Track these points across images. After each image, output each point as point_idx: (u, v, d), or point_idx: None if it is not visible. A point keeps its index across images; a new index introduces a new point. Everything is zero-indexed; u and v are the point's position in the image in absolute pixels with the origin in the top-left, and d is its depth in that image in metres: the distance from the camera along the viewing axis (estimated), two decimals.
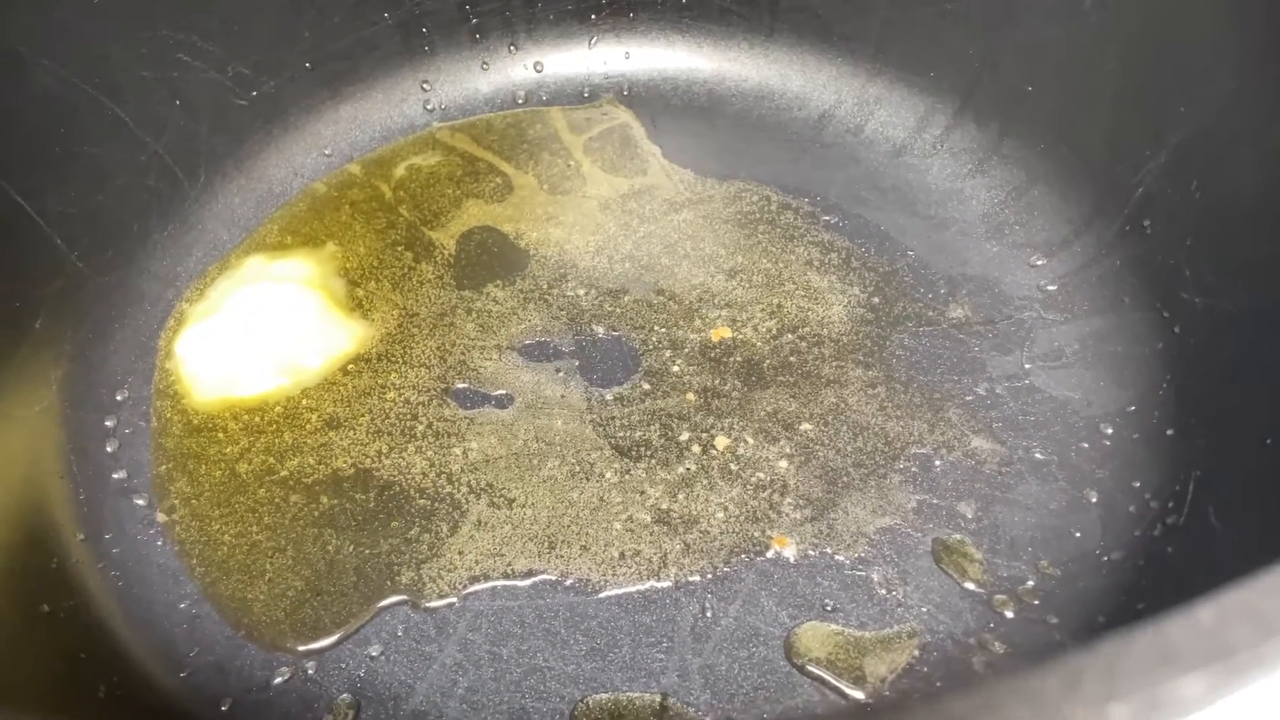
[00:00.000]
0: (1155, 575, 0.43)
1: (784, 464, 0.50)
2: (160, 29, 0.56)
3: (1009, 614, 0.45)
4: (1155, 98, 0.52)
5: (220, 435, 0.52)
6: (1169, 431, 0.47)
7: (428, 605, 0.46)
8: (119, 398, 0.53)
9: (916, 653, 0.44)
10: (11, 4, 0.49)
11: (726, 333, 0.56)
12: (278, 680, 0.44)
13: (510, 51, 0.68)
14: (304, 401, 0.53)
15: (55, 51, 0.51)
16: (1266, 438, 0.40)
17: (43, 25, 0.51)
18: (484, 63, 0.68)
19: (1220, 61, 0.48)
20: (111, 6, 0.53)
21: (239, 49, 0.60)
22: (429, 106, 0.67)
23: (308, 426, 0.52)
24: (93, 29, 0.53)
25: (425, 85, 0.67)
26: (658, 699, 0.43)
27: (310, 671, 0.44)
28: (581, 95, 0.68)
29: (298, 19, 0.62)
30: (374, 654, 0.45)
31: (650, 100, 0.67)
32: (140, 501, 0.50)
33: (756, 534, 0.48)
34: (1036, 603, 0.45)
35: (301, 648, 0.45)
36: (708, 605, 0.46)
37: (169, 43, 0.56)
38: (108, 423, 0.52)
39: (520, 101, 0.68)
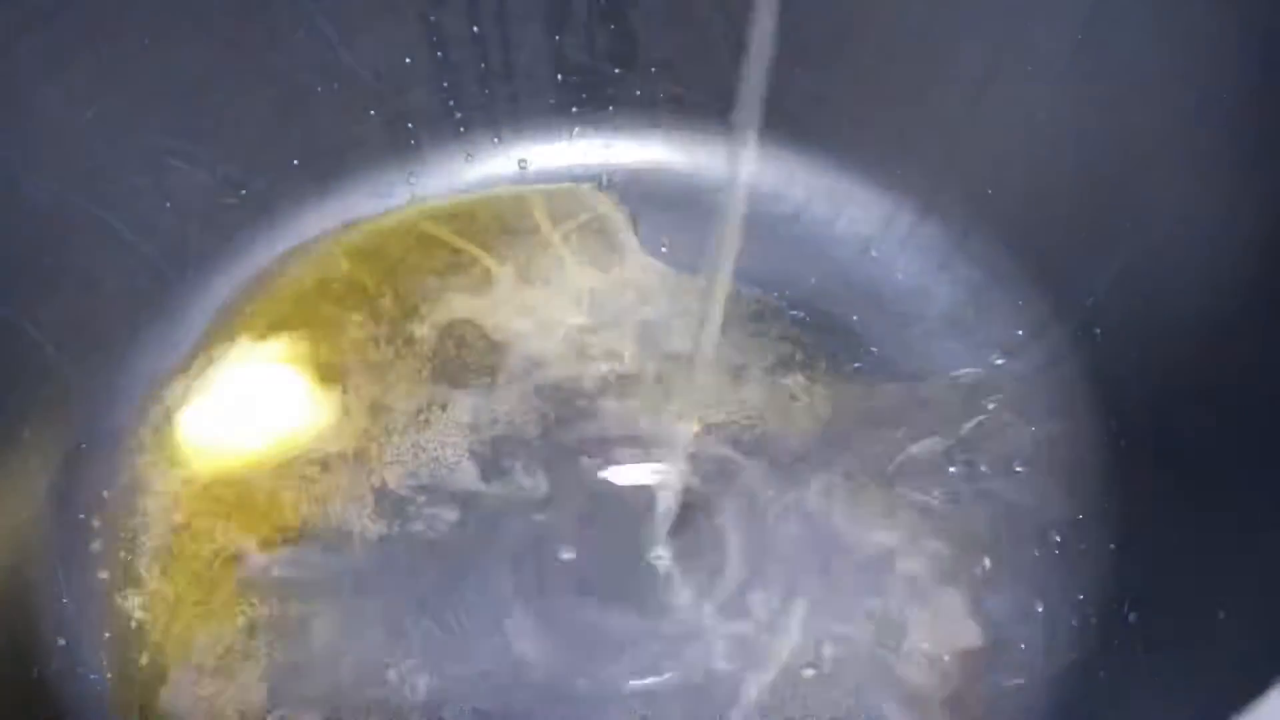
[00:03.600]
0: (1087, 699, 0.44)
1: (736, 557, 0.52)
2: (151, 136, 0.58)
3: None
4: (1107, 212, 0.53)
5: (200, 532, 0.54)
6: (1111, 546, 0.49)
7: None
8: (105, 495, 0.55)
9: None
10: (3, 125, 0.52)
11: (697, 427, 0.57)
12: None
13: (494, 143, 0.70)
14: (282, 497, 0.55)
15: (47, 168, 0.53)
16: (1195, 572, 0.41)
17: (35, 143, 0.53)
18: (468, 154, 0.70)
19: (1169, 184, 0.50)
20: (103, 119, 0.56)
21: (228, 151, 0.62)
22: (414, 198, 0.69)
23: (282, 525, 0.54)
24: (84, 142, 0.55)
25: (411, 179, 0.69)
26: None
27: None
28: (563, 186, 0.70)
29: (286, 120, 0.64)
30: None
31: (629, 191, 0.69)
32: (122, 601, 0.52)
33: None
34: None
35: None
36: None
37: (160, 149, 0.59)
38: (94, 523, 0.54)
39: (503, 192, 0.70)
